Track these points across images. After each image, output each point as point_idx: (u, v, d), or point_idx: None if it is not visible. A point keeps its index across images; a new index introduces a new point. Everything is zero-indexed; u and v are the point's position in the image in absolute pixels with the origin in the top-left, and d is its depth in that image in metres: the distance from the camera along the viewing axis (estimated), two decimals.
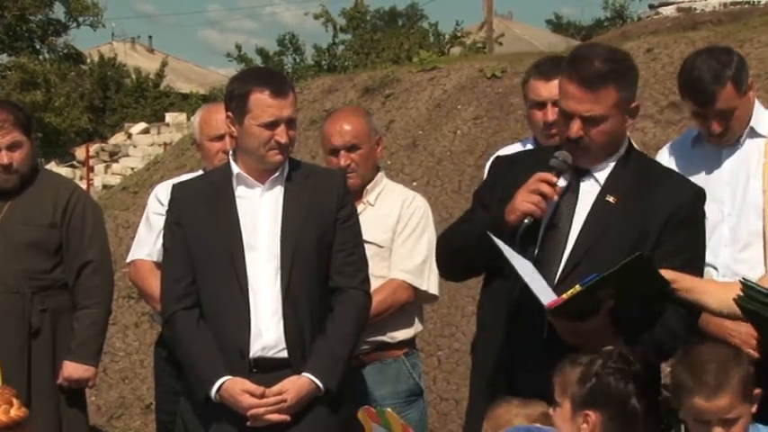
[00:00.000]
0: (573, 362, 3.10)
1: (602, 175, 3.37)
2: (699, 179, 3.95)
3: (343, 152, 4.35)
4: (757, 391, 3.09)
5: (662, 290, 3.19)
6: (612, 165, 3.37)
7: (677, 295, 3.24)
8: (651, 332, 3.25)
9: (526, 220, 3.26)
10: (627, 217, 3.28)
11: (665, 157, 4.11)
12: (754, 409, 3.09)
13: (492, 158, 3.92)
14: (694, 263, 3.34)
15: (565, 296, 3.11)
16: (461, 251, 3.49)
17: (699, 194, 3.43)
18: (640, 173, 3.37)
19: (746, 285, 3.10)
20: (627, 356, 3.09)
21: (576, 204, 3.35)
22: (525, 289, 3.18)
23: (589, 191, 3.36)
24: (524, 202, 3.26)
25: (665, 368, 3.48)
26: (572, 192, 3.37)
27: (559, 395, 3.11)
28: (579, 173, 3.38)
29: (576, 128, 3.28)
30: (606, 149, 3.35)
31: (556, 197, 3.29)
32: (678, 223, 3.29)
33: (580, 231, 3.31)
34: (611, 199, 3.31)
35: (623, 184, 3.34)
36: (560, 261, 3.30)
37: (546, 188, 3.27)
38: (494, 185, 3.53)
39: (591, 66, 3.28)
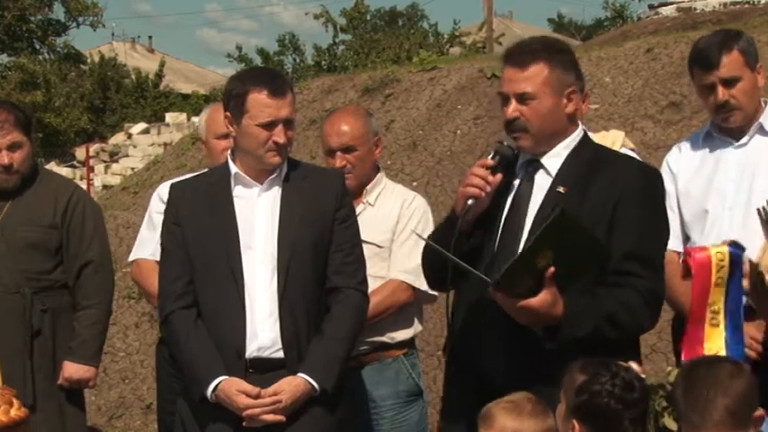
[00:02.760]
0: (582, 368, 3.09)
1: (554, 166, 3.44)
2: (706, 174, 3.98)
3: (338, 153, 4.35)
4: (759, 413, 2.97)
5: (599, 252, 3.23)
6: (565, 155, 3.45)
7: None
8: (604, 302, 3.26)
9: (469, 202, 3.37)
10: (576, 206, 3.32)
11: (675, 154, 4.12)
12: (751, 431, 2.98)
13: None
14: (651, 239, 3.37)
15: (503, 270, 3.16)
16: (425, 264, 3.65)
17: (648, 173, 3.48)
18: (591, 161, 3.43)
19: None
20: (631, 383, 3.05)
21: (530, 196, 3.43)
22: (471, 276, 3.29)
23: (542, 183, 3.44)
24: (464, 187, 3.40)
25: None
26: (527, 185, 3.45)
27: (562, 393, 3.12)
28: (534, 165, 3.46)
29: (511, 108, 3.40)
30: (545, 131, 3.41)
31: (491, 177, 3.38)
32: (628, 203, 3.33)
33: (532, 223, 3.38)
34: (561, 189, 3.38)
35: (573, 173, 3.40)
36: (516, 252, 3.33)
37: (480, 170, 3.38)
38: None
39: (523, 48, 3.45)
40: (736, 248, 3.43)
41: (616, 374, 3.05)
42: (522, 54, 3.41)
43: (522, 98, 3.37)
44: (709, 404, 2.95)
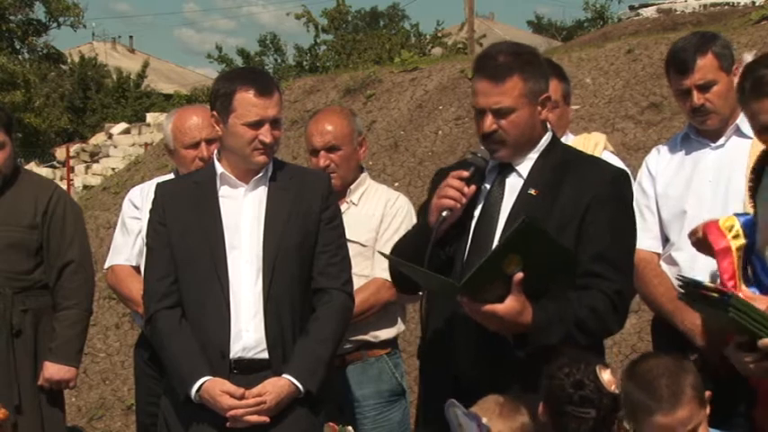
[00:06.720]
0: (565, 357, 3.13)
1: (525, 169, 3.44)
2: (684, 175, 4.00)
3: (322, 153, 4.36)
4: (708, 393, 3.11)
5: (568, 262, 3.23)
6: (535, 158, 3.45)
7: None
8: (573, 309, 3.26)
9: (444, 213, 3.36)
10: (548, 207, 3.33)
11: (654, 156, 4.14)
12: (707, 410, 3.10)
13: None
14: (619, 241, 3.37)
15: (470, 273, 3.15)
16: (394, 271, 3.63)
17: (619, 175, 3.48)
18: (561, 163, 3.43)
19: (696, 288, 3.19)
20: (581, 382, 3.07)
21: (501, 200, 3.43)
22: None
23: (513, 186, 3.43)
24: (439, 199, 3.38)
25: None
26: (498, 188, 3.45)
27: None
28: (504, 169, 3.46)
29: (488, 122, 3.38)
30: (522, 141, 3.41)
31: (466, 188, 3.38)
32: (597, 205, 3.33)
33: (504, 226, 3.38)
34: (532, 191, 3.38)
35: (544, 175, 3.41)
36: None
37: (456, 182, 3.37)
38: (430, 198, 3.60)
39: (495, 60, 3.39)
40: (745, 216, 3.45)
41: (575, 371, 3.09)
42: (496, 68, 3.37)
43: (500, 112, 3.36)
44: (677, 385, 3.02)
